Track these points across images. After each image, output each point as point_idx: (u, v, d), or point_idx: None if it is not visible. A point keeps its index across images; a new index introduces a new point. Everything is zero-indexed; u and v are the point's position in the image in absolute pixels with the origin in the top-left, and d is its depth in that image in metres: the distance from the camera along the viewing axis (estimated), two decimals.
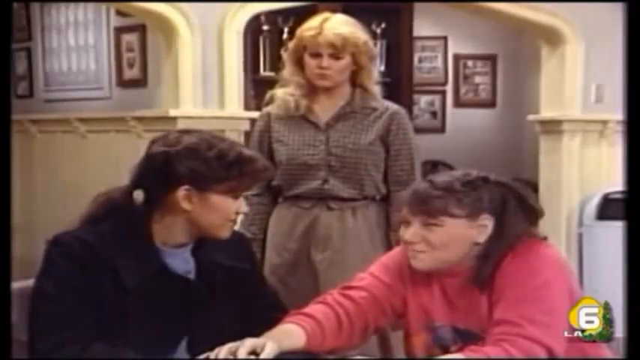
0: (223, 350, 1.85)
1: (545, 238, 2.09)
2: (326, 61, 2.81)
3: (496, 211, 2.03)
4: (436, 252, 2.03)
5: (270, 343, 1.89)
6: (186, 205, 1.97)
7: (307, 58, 2.84)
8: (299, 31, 2.89)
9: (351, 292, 2.12)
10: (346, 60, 2.83)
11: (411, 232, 2.05)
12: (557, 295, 1.95)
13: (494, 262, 2.01)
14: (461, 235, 2.02)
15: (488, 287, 2.00)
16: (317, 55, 2.82)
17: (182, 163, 1.95)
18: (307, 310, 2.08)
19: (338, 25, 2.83)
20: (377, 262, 2.20)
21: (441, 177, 2.07)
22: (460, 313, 2.04)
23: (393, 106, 2.95)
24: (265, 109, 3.00)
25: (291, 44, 2.91)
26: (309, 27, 2.85)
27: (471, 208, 2.01)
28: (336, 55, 2.81)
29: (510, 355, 1.87)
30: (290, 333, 1.98)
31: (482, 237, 2.03)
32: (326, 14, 2.92)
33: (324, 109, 2.90)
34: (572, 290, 2.01)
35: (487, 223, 2.03)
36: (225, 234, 2.03)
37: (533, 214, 2.08)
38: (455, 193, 2.01)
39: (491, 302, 1.98)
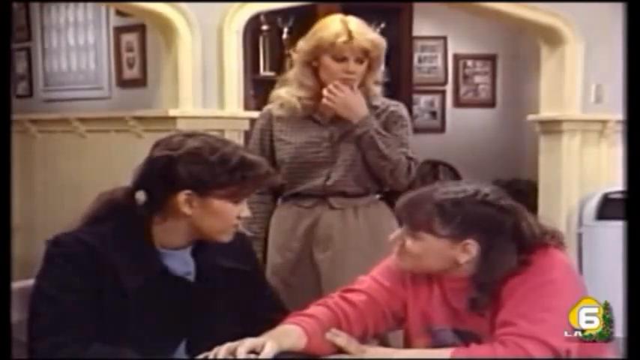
0: (222, 350, 1.85)
1: (559, 243, 2.06)
2: (352, 66, 2.82)
3: (486, 238, 1.99)
4: (411, 259, 2.04)
5: (269, 342, 1.88)
6: (186, 210, 1.96)
7: (330, 62, 2.82)
8: (320, 36, 2.84)
9: (351, 296, 2.11)
10: (367, 62, 2.84)
11: (397, 232, 2.07)
12: (559, 294, 1.94)
13: (490, 291, 1.98)
14: (438, 252, 2.01)
15: (496, 289, 1.99)
16: (342, 60, 2.81)
17: (184, 168, 1.95)
18: (308, 311, 2.08)
19: (362, 29, 2.84)
20: (380, 265, 2.19)
21: (443, 190, 2.03)
22: (461, 315, 2.04)
23: (393, 104, 2.95)
24: (266, 108, 3.00)
25: (305, 46, 2.88)
26: (334, 32, 2.81)
27: (455, 231, 1.99)
28: (360, 59, 2.82)
29: (495, 353, 1.87)
30: (290, 333, 1.98)
31: (464, 259, 2.00)
32: (340, 16, 2.92)
33: (327, 107, 2.90)
34: (580, 291, 1.99)
35: (471, 248, 2.00)
36: (226, 238, 2.03)
37: (532, 240, 2.01)
38: (443, 213, 1.99)
39: (499, 304, 1.97)
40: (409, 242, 2.03)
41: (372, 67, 2.87)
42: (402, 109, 2.95)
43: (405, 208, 2.06)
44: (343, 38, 2.80)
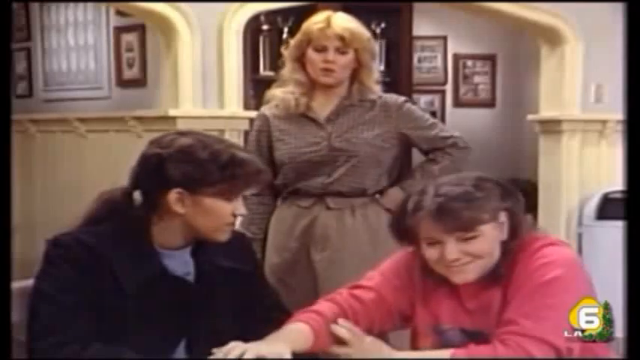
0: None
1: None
2: (332, 55, 2.81)
3: (507, 208, 2.01)
4: (482, 260, 1.99)
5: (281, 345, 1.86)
6: (179, 208, 1.96)
7: (312, 53, 2.84)
8: (303, 27, 2.89)
9: (360, 292, 2.10)
10: (350, 55, 2.83)
11: (450, 250, 1.97)
12: (564, 291, 1.93)
13: (510, 257, 2.00)
14: (494, 239, 2.00)
15: (505, 285, 1.99)
16: (322, 50, 2.82)
17: (174, 166, 1.94)
18: (316, 307, 2.06)
19: (344, 20, 2.85)
20: (388, 262, 2.16)
21: (449, 187, 1.99)
22: (470, 314, 2.02)
23: (387, 96, 2.94)
24: (262, 109, 3.00)
25: (293, 40, 2.91)
26: (314, 22, 2.86)
27: (492, 210, 1.99)
28: (341, 50, 2.82)
29: (496, 353, 1.86)
30: (299, 334, 1.96)
31: (504, 234, 2.01)
32: (329, 12, 2.93)
33: (323, 105, 2.89)
34: (585, 288, 1.98)
35: (504, 219, 2.01)
36: (222, 237, 2.02)
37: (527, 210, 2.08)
38: (476, 200, 1.97)
39: (505, 301, 1.97)
40: (471, 247, 1.97)
41: (362, 62, 2.86)
42: (399, 98, 2.94)
43: (446, 218, 1.96)
44: (320, 26, 2.82)
